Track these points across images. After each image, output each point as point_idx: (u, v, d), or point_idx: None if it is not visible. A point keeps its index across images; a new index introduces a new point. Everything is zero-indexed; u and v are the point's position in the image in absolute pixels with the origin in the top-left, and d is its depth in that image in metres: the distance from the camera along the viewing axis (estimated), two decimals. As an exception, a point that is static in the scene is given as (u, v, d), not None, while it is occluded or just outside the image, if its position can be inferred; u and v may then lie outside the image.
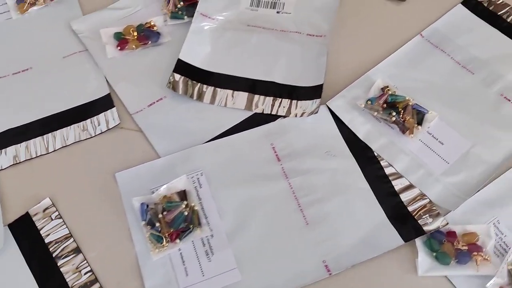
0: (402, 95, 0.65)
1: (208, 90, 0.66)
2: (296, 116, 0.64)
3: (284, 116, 0.64)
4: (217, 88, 0.66)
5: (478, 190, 0.59)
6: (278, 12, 0.73)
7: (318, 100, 0.64)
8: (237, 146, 0.62)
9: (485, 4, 0.74)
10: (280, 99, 0.65)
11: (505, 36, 0.72)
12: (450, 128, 0.64)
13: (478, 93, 0.66)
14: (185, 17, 0.72)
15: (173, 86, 0.65)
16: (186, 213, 0.55)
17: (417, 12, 0.74)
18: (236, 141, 0.62)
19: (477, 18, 0.73)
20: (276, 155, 0.62)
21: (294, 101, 0.65)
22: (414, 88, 0.66)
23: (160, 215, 0.55)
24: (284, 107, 0.64)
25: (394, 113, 0.63)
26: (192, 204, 0.56)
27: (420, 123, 0.63)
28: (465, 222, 0.57)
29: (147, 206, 0.55)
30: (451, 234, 0.55)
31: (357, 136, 0.63)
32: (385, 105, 0.64)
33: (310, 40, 0.70)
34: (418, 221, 0.56)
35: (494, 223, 0.57)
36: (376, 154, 0.62)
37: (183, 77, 0.66)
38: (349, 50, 0.70)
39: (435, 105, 0.65)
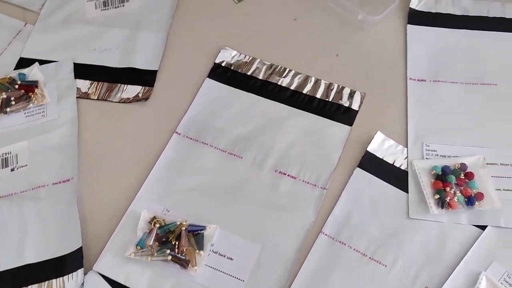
0: (172, 221, 0.57)
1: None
2: (62, 300, 0.54)
3: (51, 305, 0.54)
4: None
5: (281, 300, 0.53)
6: (13, 170, 0.62)
7: (80, 270, 0.54)
8: None
9: (232, 68, 0.68)
10: (40, 284, 0.54)
11: (262, 98, 0.66)
12: (235, 235, 0.57)
13: (252, 178, 0.60)
14: None
15: None
16: None
17: (168, 106, 0.66)
18: None
19: (229, 88, 0.67)
20: None
21: (56, 281, 0.54)
22: (188, 201, 0.59)
23: None
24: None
25: (168, 250, 0.55)
26: None
27: (201, 246, 0.56)
28: None
29: None
30: None
31: (140, 292, 0.54)
32: (157, 243, 0.55)
33: (57, 189, 0.60)
34: None
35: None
36: (166, 306, 0.53)
37: None
38: (103, 184, 0.61)
39: (213, 212, 0.58)
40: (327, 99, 0.66)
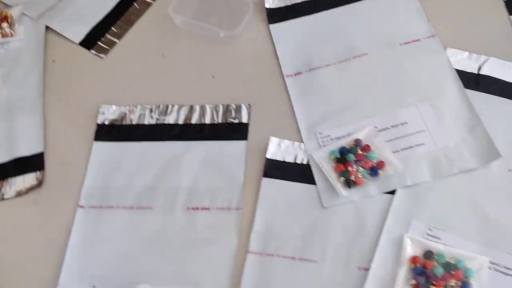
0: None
1: None
2: None
3: None
4: None
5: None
6: None
7: None
8: None
9: (117, 123, 0.68)
10: None
11: (154, 142, 0.67)
12: (166, 286, 0.56)
13: (168, 224, 0.60)
14: None
15: None
16: None
17: (64, 183, 0.65)
18: None
19: (119, 144, 0.67)
20: None
21: None
22: (110, 270, 0.59)
23: None
24: None
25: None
26: None
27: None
28: None
29: None
30: None
31: None
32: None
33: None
34: None
35: None
36: None
37: None
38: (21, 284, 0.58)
39: (140, 272, 0.57)
40: (216, 122, 0.66)
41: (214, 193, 0.61)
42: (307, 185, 0.61)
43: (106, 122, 0.68)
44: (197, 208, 0.61)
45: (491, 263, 0.54)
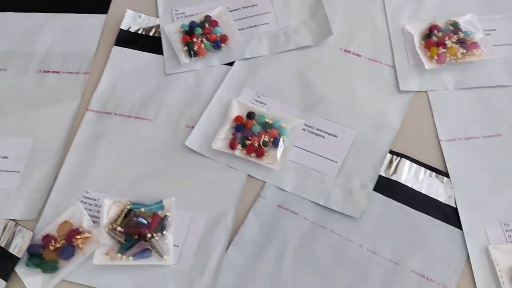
0: None
1: None
2: None
3: None
4: None
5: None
6: None
7: None
8: None
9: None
10: None
11: (17, 13, 0.68)
12: (6, 137, 0.59)
13: (17, 85, 0.62)
14: None
15: None
16: None
17: None
18: None
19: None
20: None
21: None
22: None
23: None
24: None
25: None
26: None
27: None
28: (57, 214, 0.54)
29: None
30: (46, 238, 0.52)
31: None
32: None
33: None
34: (9, 250, 0.51)
35: (84, 195, 0.55)
36: None
37: None
38: None
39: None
40: (79, -3, 0.68)
41: (66, 58, 0.64)
42: (155, 55, 0.64)
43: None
44: (48, 71, 0.63)
45: (306, 125, 0.58)
